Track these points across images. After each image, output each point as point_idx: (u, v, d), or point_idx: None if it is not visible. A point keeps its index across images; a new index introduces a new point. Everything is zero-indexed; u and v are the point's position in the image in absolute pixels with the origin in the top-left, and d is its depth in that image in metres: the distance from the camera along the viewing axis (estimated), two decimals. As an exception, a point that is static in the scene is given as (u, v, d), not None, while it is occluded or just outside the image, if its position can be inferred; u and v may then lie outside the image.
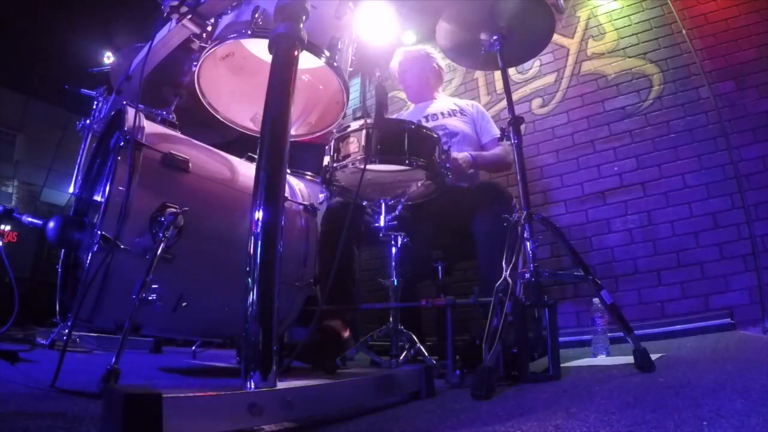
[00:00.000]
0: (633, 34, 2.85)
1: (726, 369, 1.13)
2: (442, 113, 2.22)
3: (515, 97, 2.96)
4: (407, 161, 1.44)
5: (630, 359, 1.23)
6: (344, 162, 1.48)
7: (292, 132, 1.36)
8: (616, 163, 2.68)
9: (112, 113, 1.42)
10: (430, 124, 2.06)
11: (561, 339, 1.33)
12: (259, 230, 0.79)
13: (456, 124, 2.15)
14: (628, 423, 0.67)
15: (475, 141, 2.15)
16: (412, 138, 1.47)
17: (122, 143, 1.17)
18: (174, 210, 1.16)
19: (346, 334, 1.70)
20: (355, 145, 1.47)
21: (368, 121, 1.45)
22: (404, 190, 1.62)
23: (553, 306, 1.28)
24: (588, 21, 3.05)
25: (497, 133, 2.16)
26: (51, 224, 1.27)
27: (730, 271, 2.27)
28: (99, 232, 1.10)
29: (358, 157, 1.43)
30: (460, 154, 1.89)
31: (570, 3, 3.11)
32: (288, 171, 1.09)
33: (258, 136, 0.88)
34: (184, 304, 1.26)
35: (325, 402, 0.82)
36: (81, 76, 2.59)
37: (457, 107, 2.24)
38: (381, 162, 1.44)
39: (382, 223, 1.55)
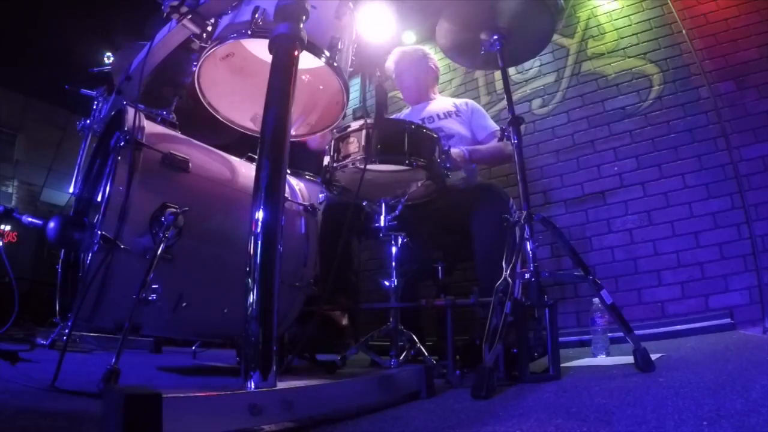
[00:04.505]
0: (633, 34, 2.85)
1: (726, 369, 1.13)
2: (438, 115, 2.20)
3: (515, 97, 2.96)
4: (407, 161, 1.44)
5: (630, 359, 1.23)
6: (344, 162, 1.48)
7: (292, 132, 1.37)
8: (616, 163, 2.68)
9: (112, 113, 1.42)
10: None
11: (561, 339, 1.33)
12: (259, 230, 0.79)
13: (452, 125, 2.13)
14: (628, 423, 0.67)
15: (471, 141, 2.12)
16: (412, 138, 1.47)
17: (122, 143, 1.17)
18: (174, 210, 1.16)
19: (345, 321, 1.70)
20: (355, 145, 1.47)
21: (368, 121, 1.45)
22: (404, 190, 1.62)
23: (553, 306, 1.28)
24: (588, 21, 3.05)
25: (493, 126, 2.14)
26: (51, 224, 1.27)
27: (730, 271, 2.27)
28: (99, 232, 1.10)
29: (358, 157, 1.43)
30: (455, 150, 1.87)
31: (570, 3, 3.11)
32: (288, 171, 1.09)
33: (258, 136, 0.88)
34: (183, 304, 1.26)
35: (325, 402, 0.82)
36: (81, 76, 2.59)
37: (453, 108, 2.22)
38: (381, 162, 1.44)
39: (382, 223, 1.55)
